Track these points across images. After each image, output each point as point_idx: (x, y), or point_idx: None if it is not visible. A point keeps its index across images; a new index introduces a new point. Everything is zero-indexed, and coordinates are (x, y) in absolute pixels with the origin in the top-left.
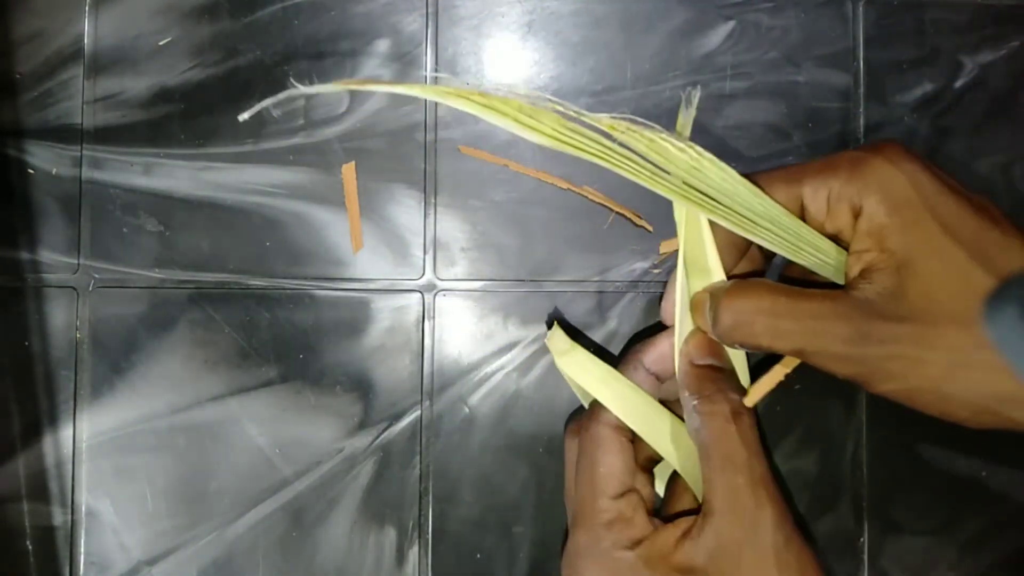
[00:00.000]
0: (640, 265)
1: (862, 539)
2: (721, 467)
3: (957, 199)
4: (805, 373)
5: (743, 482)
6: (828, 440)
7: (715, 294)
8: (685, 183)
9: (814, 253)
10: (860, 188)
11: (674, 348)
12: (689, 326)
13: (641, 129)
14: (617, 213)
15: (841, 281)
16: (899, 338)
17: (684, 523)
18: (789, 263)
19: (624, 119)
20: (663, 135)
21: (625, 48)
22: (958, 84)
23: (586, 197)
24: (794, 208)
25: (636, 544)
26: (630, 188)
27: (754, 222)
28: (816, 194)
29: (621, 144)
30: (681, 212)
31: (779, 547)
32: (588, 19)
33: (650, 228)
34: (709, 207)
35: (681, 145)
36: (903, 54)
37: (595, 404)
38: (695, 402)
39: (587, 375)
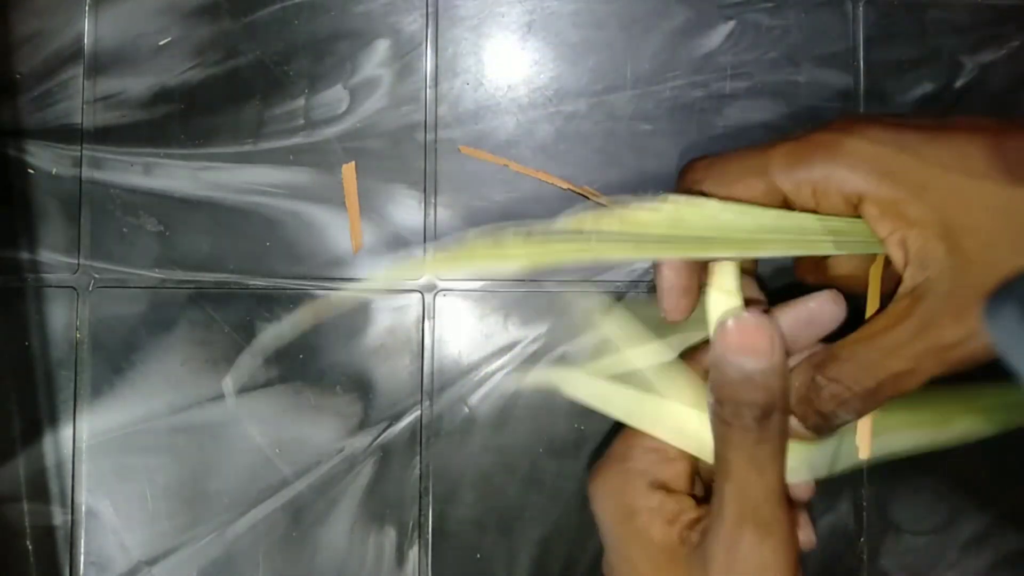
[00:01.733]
0: (640, 265)
1: (862, 539)
2: (718, 470)
3: (943, 136)
4: None
5: (730, 494)
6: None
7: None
8: (668, 237)
9: (827, 238)
10: (847, 174)
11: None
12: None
13: (608, 213)
14: None
15: (875, 250)
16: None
17: (703, 509)
18: (797, 260)
19: (593, 204)
20: (630, 207)
21: (625, 48)
22: (958, 84)
23: (586, 197)
24: (775, 199)
25: (657, 487)
26: (630, 188)
27: (757, 240)
28: (799, 189)
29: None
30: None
31: (748, 571)
32: (588, 19)
33: None
34: (703, 248)
35: (652, 206)
36: (903, 54)
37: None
38: (712, 402)
39: (591, 394)
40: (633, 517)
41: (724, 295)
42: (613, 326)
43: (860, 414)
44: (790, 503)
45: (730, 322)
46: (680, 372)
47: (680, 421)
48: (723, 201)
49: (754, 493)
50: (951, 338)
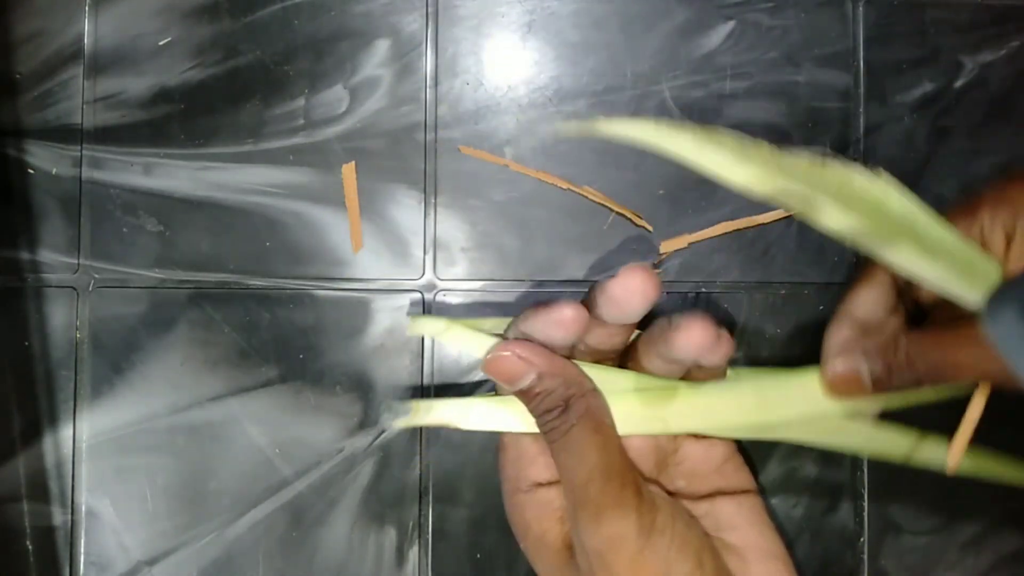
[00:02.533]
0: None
1: (862, 539)
2: (558, 466)
3: None
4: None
5: (572, 489)
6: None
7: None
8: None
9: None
10: (1010, 212)
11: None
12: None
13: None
14: (617, 213)
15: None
16: None
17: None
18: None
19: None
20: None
21: (625, 48)
22: (958, 84)
23: (586, 197)
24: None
25: (536, 487)
26: (630, 188)
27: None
28: (969, 230)
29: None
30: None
31: (616, 549)
32: (588, 19)
33: (650, 228)
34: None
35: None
36: (903, 54)
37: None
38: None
39: (473, 340)
40: (529, 530)
41: (446, 333)
42: (468, 341)
43: (921, 382)
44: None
45: (483, 363)
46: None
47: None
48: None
49: (580, 478)
50: None
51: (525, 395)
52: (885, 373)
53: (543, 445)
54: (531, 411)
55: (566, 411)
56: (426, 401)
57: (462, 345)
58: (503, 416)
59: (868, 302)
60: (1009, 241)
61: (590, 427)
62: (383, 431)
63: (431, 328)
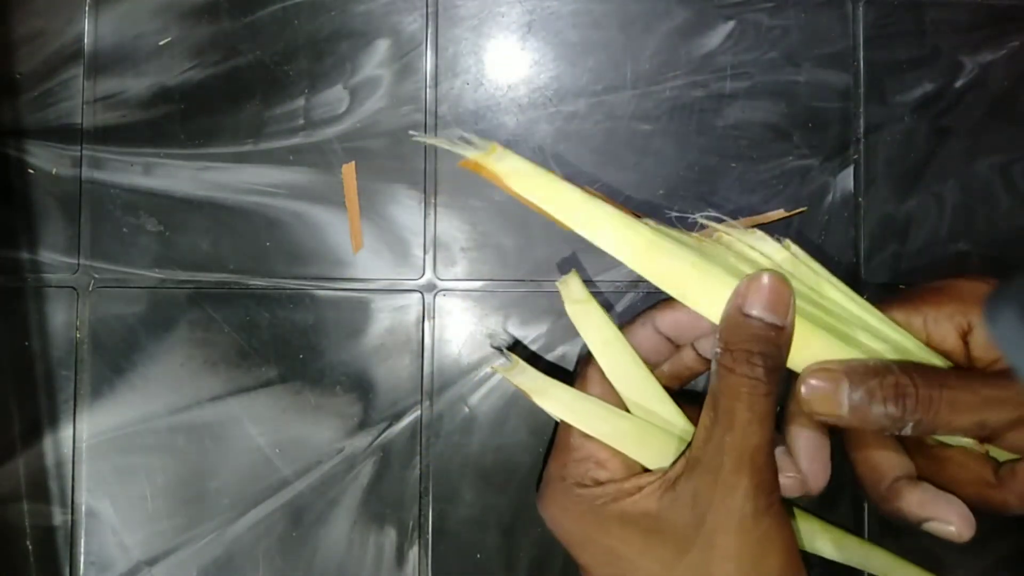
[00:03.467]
0: None
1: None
2: (717, 421)
3: None
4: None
5: (731, 443)
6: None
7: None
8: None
9: (910, 349)
10: (959, 308)
11: (693, 315)
12: (732, 283)
13: (735, 232)
14: None
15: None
16: None
17: (660, 472)
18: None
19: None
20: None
21: (625, 48)
22: (958, 84)
23: None
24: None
25: (599, 484)
26: (630, 188)
27: (852, 335)
28: (909, 323)
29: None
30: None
31: (745, 517)
32: (588, 19)
33: None
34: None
35: (775, 245)
36: (903, 54)
37: (591, 351)
38: (719, 350)
39: (594, 332)
40: (581, 519)
41: (581, 305)
42: (582, 319)
43: (906, 424)
44: (773, 454)
45: (764, 277)
46: (649, 385)
47: (655, 403)
48: (835, 280)
49: (753, 442)
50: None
51: (751, 334)
52: (865, 399)
53: (611, 451)
54: (742, 349)
55: (775, 374)
56: (524, 363)
57: (586, 323)
58: (575, 408)
59: None
60: (965, 335)
61: (775, 406)
62: (466, 409)
63: (574, 293)
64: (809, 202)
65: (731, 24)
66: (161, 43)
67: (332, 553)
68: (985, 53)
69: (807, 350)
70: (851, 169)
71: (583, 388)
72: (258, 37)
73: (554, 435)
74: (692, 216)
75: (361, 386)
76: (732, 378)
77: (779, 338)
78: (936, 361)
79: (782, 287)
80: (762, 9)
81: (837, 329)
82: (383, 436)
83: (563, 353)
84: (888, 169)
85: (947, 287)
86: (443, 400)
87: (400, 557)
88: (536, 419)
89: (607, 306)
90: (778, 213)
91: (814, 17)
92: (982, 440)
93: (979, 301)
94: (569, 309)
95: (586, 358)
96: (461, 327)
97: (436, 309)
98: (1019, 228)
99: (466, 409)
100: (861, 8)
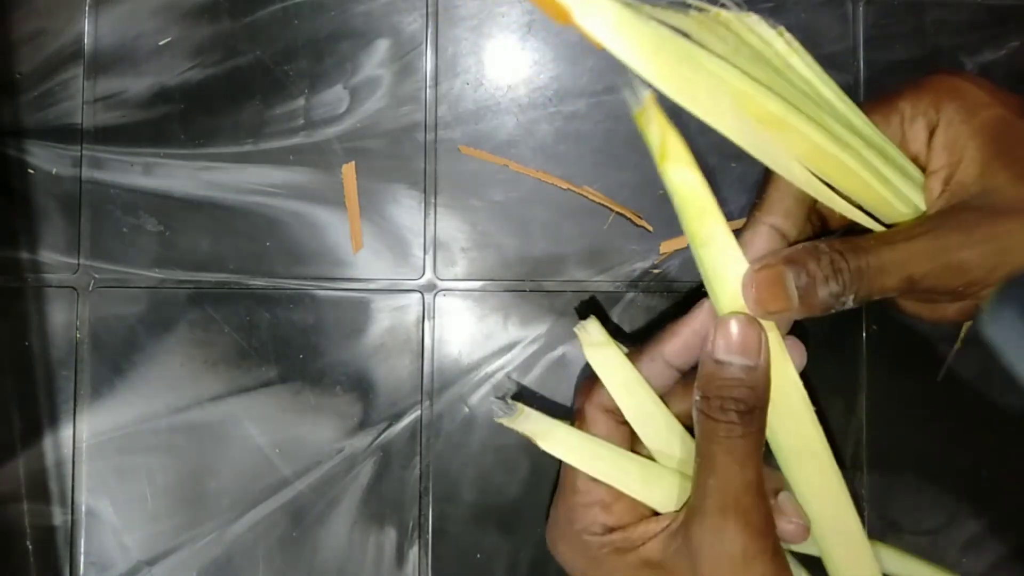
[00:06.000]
0: (640, 265)
1: None
2: (702, 466)
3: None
4: (804, 376)
5: (714, 486)
6: (828, 440)
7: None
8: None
9: (890, 184)
10: (932, 101)
11: (697, 337)
12: (717, 311)
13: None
14: (617, 213)
15: (919, 207)
16: (1011, 231)
17: (667, 518)
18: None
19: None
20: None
21: None
22: None
23: (586, 197)
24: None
25: (609, 531)
26: (630, 188)
27: (843, 140)
28: (888, 123)
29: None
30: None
31: (735, 562)
32: None
33: (650, 228)
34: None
35: (771, 31)
36: (903, 54)
37: (595, 383)
38: (698, 397)
39: (612, 374)
40: (599, 567)
41: (599, 348)
42: (601, 363)
43: (847, 298)
44: (765, 497)
45: (732, 323)
46: (670, 427)
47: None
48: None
49: (736, 485)
50: (965, 260)
51: (724, 379)
52: (810, 283)
53: (618, 493)
54: (716, 395)
55: (751, 415)
56: (527, 408)
57: (604, 366)
58: (580, 451)
59: (781, 211)
60: (931, 133)
61: (760, 443)
62: (466, 409)
63: (593, 336)
64: None
65: None
66: (161, 43)
67: (332, 553)
68: (985, 53)
69: (803, 142)
70: None
71: (585, 428)
72: (258, 37)
73: (559, 474)
74: None
75: (361, 386)
76: (709, 423)
77: (753, 378)
78: (910, 169)
79: (750, 329)
80: (762, 9)
81: (828, 126)
82: (383, 436)
83: (563, 353)
84: None
85: (925, 82)
86: (443, 400)
87: (400, 557)
88: None
89: (615, 336)
90: None
91: (814, 17)
92: (912, 291)
93: (952, 93)
94: (587, 353)
95: (584, 392)
96: (461, 327)
97: (436, 309)
98: None
99: (466, 409)
100: (861, 8)
